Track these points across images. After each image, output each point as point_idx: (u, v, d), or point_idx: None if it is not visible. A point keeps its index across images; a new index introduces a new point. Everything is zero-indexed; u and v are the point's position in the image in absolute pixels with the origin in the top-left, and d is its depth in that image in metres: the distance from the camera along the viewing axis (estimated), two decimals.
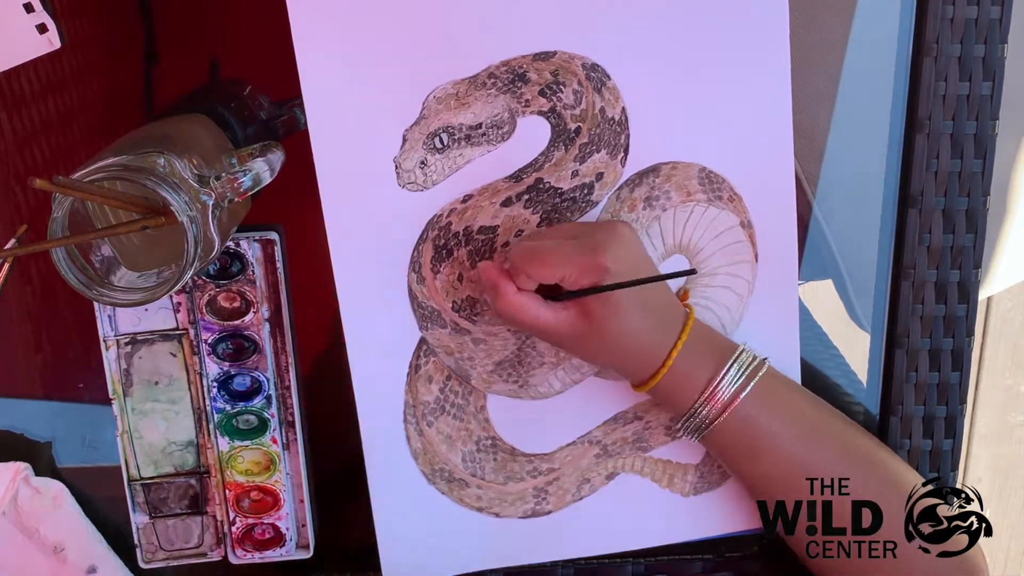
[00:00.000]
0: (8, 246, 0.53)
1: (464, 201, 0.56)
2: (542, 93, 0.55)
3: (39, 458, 0.60)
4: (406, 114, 0.55)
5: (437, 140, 0.55)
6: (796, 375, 0.61)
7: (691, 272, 0.51)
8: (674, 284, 0.59)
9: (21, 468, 0.59)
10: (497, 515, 0.61)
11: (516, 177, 0.56)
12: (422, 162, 0.55)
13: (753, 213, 0.58)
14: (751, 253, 0.59)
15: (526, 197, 0.56)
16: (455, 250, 0.57)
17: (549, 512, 0.62)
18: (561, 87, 0.55)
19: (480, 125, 0.55)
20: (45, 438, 0.60)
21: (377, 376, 0.58)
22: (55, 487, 0.59)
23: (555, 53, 0.55)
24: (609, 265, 0.50)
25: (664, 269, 0.58)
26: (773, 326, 0.60)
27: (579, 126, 0.56)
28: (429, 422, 0.59)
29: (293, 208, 0.57)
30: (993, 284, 0.87)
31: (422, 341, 0.58)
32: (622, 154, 0.56)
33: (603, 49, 0.55)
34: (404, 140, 0.55)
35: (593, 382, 0.60)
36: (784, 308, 0.60)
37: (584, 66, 0.55)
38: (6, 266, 0.53)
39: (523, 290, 0.52)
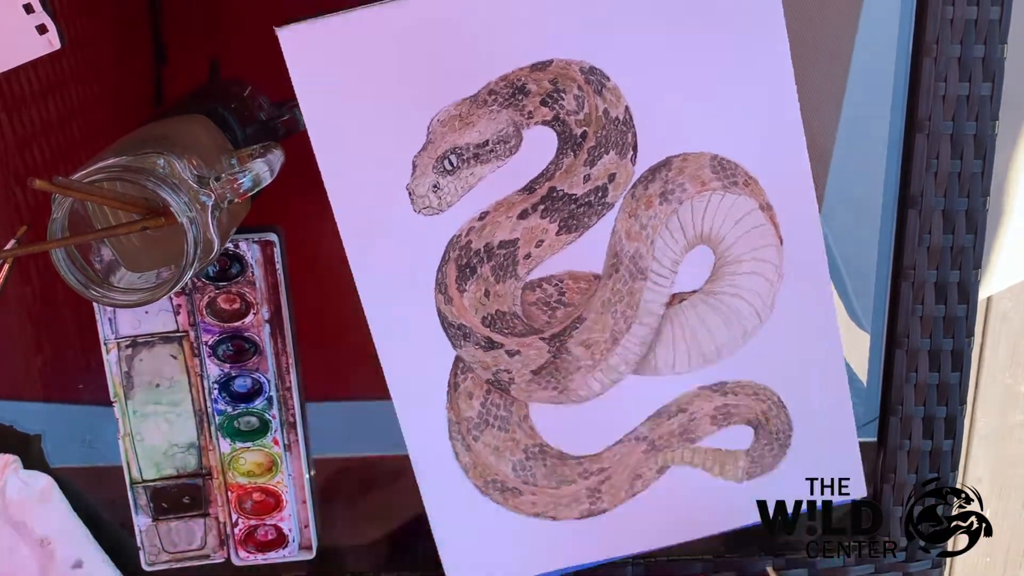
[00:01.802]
0: (8, 247, 0.53)
1: (481, 218, 0.57)
2: (544, 103, 0.55)
3: (29, 451, 0.60)
4: (412, 141, 0.55)
5: (446, 162, 0.55)
6: (839, 353, 0.60)
7: None
8: None
9: (10, 460, 0.58)
10: (554, 519, 0.62)
11: (529, 188, 0.56)
12: (434, 186, 0.55)
13: (771, 194, 0.57)
14: (775, 236, 0.58)
15: (542, 207, 0.57)
16: (478, 267, 0.57)
17: (605, 510, 0.62)
18: (562, 94, 0.55)
19: (487, 142, 0.55)
20: (35, 431, 0.60)
21: (417, 397, 0.59)
22: (44, 480, 0.59)
23: (551, 61, 0.55)
24: None
25: (688, 260, 0.58)
26: (808, 308, 0.59)
27: (585, 130, 0.56)
28: (475, 436, 0.60)
29: (293, 208, 0.57)
30: (993, 284, 0.87)
31: (457, 359, 0.58)
32: (631, 152, 0.56)
33: (599, 51, 0.55)
34: (414, 167, 0.55)
35: (633, 380, 0.60)
36: (817, 288, 0.59)
37: (582, 70, 0.55)
38: (6, 267, 0.53)
39: None
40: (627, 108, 0.56)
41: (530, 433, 0.60)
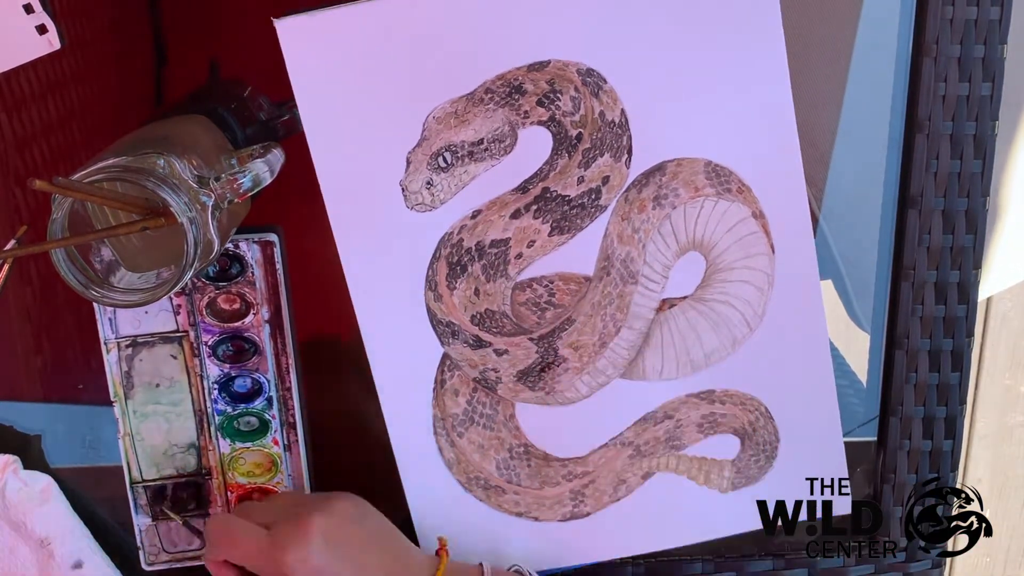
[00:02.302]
0: (8, 247, 0.53)
1: (473, 217, 0.57)
2: (540, 103, 0.55)
3: (29, 451, 0.60)
4: (407, 137, 0.55)
5: (441, 160, 0.55)
6: (828, 367, 0.60)
7: None
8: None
9: (10, 461, 0.58)
10: (536, 519, 0.62)
11: (523, 188, 0.56)
12: (428, 183, 0.55)
13: (764, 203, 0.58)
14: (767, 244, 0.58)
15: (535, 207, 0.57)
16: (469, 265, 0.57)
17: (588, 514, 0.62)
18: (558, 95, 0.55)
19: (482, 141, 0.55)
20: (35, 431, 0.60)
21: (403, 393, 0.59)
22: (44, 481, 0.59)
23: (549, 62, 0.55)
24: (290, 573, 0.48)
25: (680, 266, 0.58)
26: (799, 318, 0.59)
27: (580, 132, 0.56)
28: (460, 433, 0.60)
29: (293, 209, 0.57)
30: (993, 284, 0.87)
31: (445, 356, 0.59)
32: (626, 156, 0.56)
33: (596, 53, 0.55)
34: (408, 163, 0.55)
35: (620, 384, 0.60)
36: (808, 298, 0.59)
37: (579, 72, 0.55)
38: (6, 267, 0.54)
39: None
40: (623, 111, 0.56)
41: (516, 433, 0.60)
